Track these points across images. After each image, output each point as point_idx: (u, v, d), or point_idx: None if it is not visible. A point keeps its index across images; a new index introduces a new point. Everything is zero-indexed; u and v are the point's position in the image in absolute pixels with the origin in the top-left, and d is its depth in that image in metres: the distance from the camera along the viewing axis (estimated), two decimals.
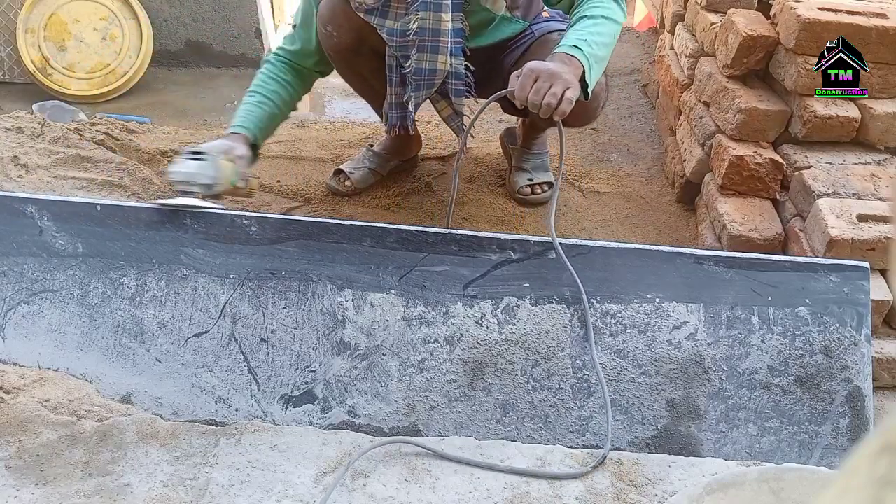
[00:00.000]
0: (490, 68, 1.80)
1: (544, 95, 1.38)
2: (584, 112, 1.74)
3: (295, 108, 1.82)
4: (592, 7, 1.53)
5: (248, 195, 1.72)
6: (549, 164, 2.11)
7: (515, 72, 1.44)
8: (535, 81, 1.39)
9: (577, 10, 1.56)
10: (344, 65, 1.88)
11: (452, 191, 1.58)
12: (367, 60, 1.81)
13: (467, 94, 1.74)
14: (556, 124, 1.48)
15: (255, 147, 1.69)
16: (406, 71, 1.68)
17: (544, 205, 2.07)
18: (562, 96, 1.37)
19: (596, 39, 1.48)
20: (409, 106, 1.75)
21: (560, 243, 1.33)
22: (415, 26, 1.61)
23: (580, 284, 1.28)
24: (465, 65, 1.69)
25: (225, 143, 1.56)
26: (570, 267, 1.29)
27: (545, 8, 1.82)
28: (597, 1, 1.54)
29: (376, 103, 2.03)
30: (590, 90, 1.48)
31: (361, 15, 1.67)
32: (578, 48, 1.45)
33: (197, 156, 1.44)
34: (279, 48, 1.81)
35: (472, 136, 1.90)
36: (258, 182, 1.75)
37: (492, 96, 1.56)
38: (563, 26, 1.76)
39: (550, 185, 2.07)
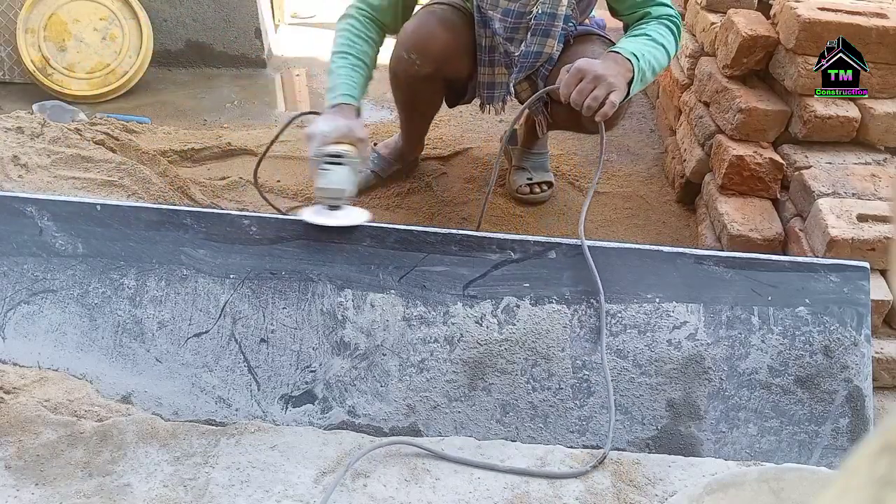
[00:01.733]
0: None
1: (587, 96, 1.40)
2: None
3: (377, 66, 1.72)
4: (657, 33, 1.55)
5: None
6: (548, 164, 2.11)
7: (565, 66, 1.45)
8: (581, 81, 1.41)
9: (642, 25, 1.58)
10: (409, 90, 1.84)
11: (490, 184, 1.63)
12: (434, 87, 1.80)
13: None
14: (599, 125, 1.48)
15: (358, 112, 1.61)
16: (516, 53, 1.68)
17: (544, 204, 2.07)
18: (604, 99, 1.39)
19: (650, 59, 1.51)
20: (510, 87, 1.74)
21: (560, 243, 1.33)
22: (538, 10, 1.62)
23: (600, 287, 1.28)
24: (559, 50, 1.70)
25: (341, 124, 1.47)
26: (594, 269, 1.30)
27: (588, 16, 1.85)
28: (663, 30, 1.56)
29: (412, 121, 2.02)
30: (626, 99, 1.49)
31: (475, 2, 1.64)
32: (636, 56, 1.47)
33: (335, 159, 1.38)
34: (360, 2, 1.70)
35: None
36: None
37: (541, 90, 1.62)
38: (600, 34, 1.80)
39: (550, 184, 2.07)
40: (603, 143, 1.48)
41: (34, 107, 2.32)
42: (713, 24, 2.06)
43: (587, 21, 1.86)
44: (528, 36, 1.66)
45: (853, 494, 0.31)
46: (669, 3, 1.60)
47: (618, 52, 1.48)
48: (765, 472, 1.05)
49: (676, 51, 1.59)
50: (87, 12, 2.57)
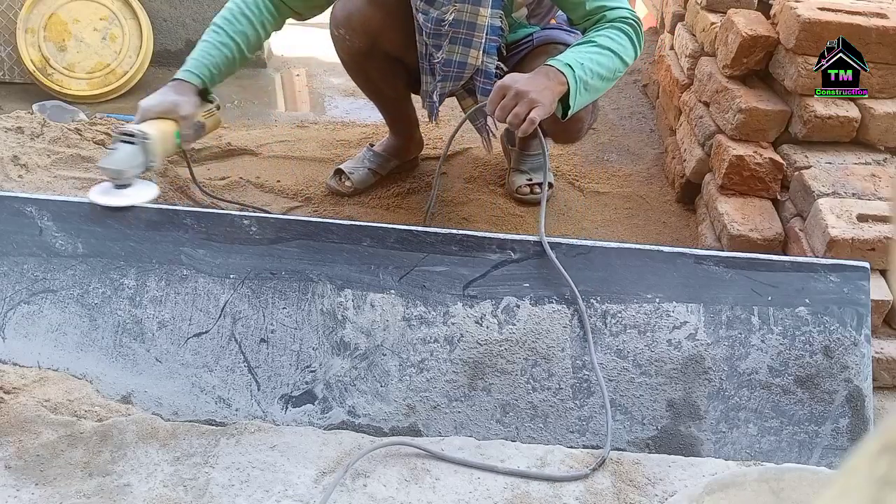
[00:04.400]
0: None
1: (508, 113, 1.39)
2: (561, 131, 1.74)
3: (261, 49, 1.70)
4: (606, 37, 1.50)
5: (212, 130, 1.65)
6: (549, 163, 2.10)
7: (497, 82, 1.45)
8: (503, 97, 1.40)
9: (591, 32, 1.53)
10: (355, 68, 1.87)
11: (433, 192, 1.65)
12: (379, 64, 1.80)
13: None
14: (538, 138, 1.49)
15: (206, 92, 1.59)
16: (436, 60, 1.66)
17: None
18: (525, 117, 1.38)
19: (594, 67, 1.46)
20: (434, 96, 1.72)
21: (560, 243, 1.33)
22: (451, 17, 1.59)
23: (572, 284, 1.28)
24: (498, 65, 1.66)
25: (168, 100, 1.48)
26: (560, 266, 1.29)
27: (554, 16, 1.82)
28: (613, 33, 1.51)
29: (383, 106, 2.04)
30: (570, 112, 1.46)
31: None
32: (571, 67, 1.43)
33: (126, 138, 1.40)
34: None
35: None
36: (218, 119, 1.65)
37: (472, 108, 1.64)
38: (567, 37, 1.76)
39: (550, 185, 2.06)
40: (546, 155, 1.53)
41: (34, 107, 2.32)
42: (713, 24, 2.06)
43: (554, 21, 1.83)
44: (447, 44, 1.62)
45: (853, 494, 0.31)
46: (626, 5, 1.54)
47: (551, 65, 1.43)
48: (765, 472, 1.05)
49: (635, 52, 1.53)
50: (87, 12, 2.57)
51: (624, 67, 1.52)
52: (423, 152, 2.21)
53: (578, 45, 1.51)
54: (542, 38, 1.79)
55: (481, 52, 1.62)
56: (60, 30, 2.56)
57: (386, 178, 2.10)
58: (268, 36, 1.68)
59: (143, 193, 1.40)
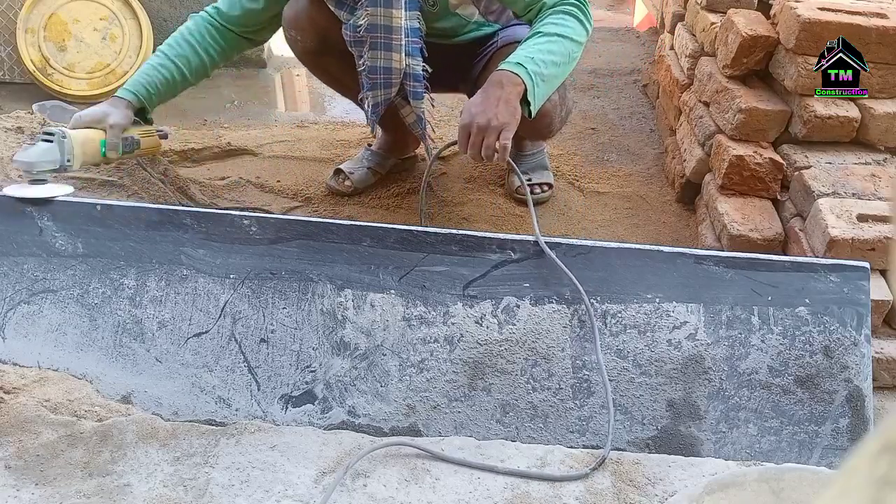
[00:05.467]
0: (467, 67, 1.80)
1: (479, 150, 1.41)
2: (532, 129, 1.73)
3: (208, 76, 1.73)
4: (551, 24, 1.49)
5: (150, 153, 1.71)
6: (547, 163, 2.09)
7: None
8: (469, 137, 1.42)
9: (536, 23, 1.53)
10: (312, 66, 1.89)
11: (422, 193, 1.67)
12: (335, 60, 1.80)
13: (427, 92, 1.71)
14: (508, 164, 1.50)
15: (143, 111, 1.65)
16: (361, 69, 1.65)
17: (544, 204, 2.07)
18: (495, 146, 1.39)
19: (546, 58, 1.46)
20: (365, 105, 1.70)
21: (559, 243, 1.33)
22: (364, 22, 1.57)
23: (576, 282, 1.28)
24: (424, 66, 1.64)
25: (99, 110, 1.55)
26: (562, 264, 1.29)
27: None
28: (557, 17, 1.50)
29: (355, 101, 2.04)
30: (533, 109, 1.46)
31: (331, 7, 1.63)
32: (522, 66, 1.43)
33: (46, 136, 1.44)
34: (213, 7, 1.72)
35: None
36: (156, 140, 1.70)
37: (444, 145, 1.70)
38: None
39: (549, 185, 2.05)
40: (525, 188, 1.56)
41: (34, 107, 2.32)
42: (713, 24, 2.06)
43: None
44: (368, 50, 1.60)
45: (853, 494, 0.31)
46: None
47: (503, 70, 1.43)
48: (765, 472, 1.05)
49: (586, 30, 1.52)
50: (87, 12, 2.57)
51: (579, 48, 1.51)
52: (422, 153, 2.21)
53: (527, 40, 1.50)
54: (506, 39, 1.78)
55: (403, 54, 1.60)
56: (60, 30, 2.56)
57: (386, 177, 2.10)
58: (215, 62, 1.72)
59: (54, 191, 1.42)
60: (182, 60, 1.66)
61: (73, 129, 1.51)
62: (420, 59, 1.63)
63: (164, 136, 1.74)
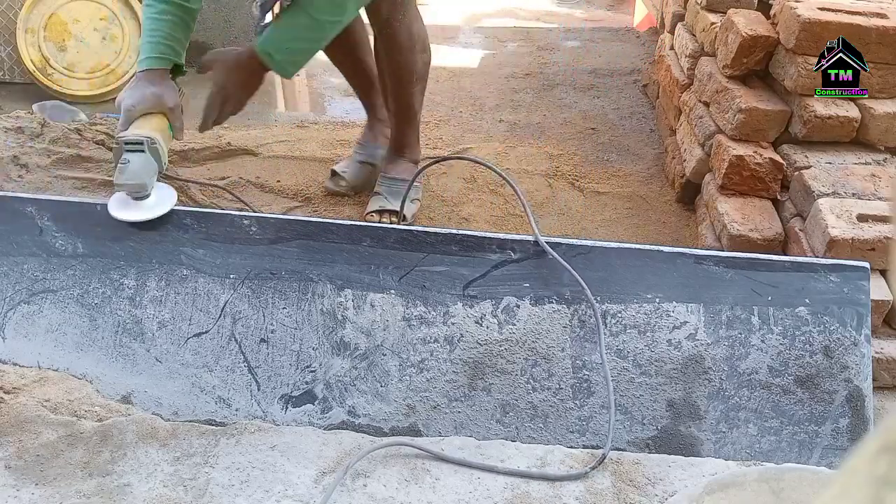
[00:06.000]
0: None
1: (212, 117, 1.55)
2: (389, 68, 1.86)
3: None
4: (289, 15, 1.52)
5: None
6: (412, 193, 1.90)
7: None
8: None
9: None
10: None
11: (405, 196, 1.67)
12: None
13: None
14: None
15: (178, 68, 1.54)
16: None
17: (544, 204, 2.06)
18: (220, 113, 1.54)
19: (285, 36, 1.51)
20: (255, 8, 1.64)
21: (559, 243, 1.33)
22: None
23: (580, 280, 1.28)
24: None
25: (149, 93, 1.43)
26: (567, 264, 1.29)
27: None
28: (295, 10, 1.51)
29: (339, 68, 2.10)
30: (277, 58, 1.51)
31: None
32: (262, 47, 1.50)
33: (134, 147, 1.35)
34: None
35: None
36: (185, 99, 1.63)
37: (429, 161, 1.81)
38: None
39: (395, 214, 1.88)
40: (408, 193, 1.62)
41: (34, 107, 2.32)
42: (713, 24, 2.06)
43: None
44: None
45: (853, 494, 0.31)
46: None
47: (252, 53, 1.51)
48: (765, 472, 1.05)
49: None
50: (87, 12, 2.57)
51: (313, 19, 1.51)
52: (423, 152, 2.21)
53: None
54: None
55: None
56: (60, 30, 2.56)
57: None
58: None
59: (165, 199, 1.36)
60: None
61: (130, 122, 1.41)
62: None
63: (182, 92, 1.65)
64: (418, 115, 1.99)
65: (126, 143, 1.35)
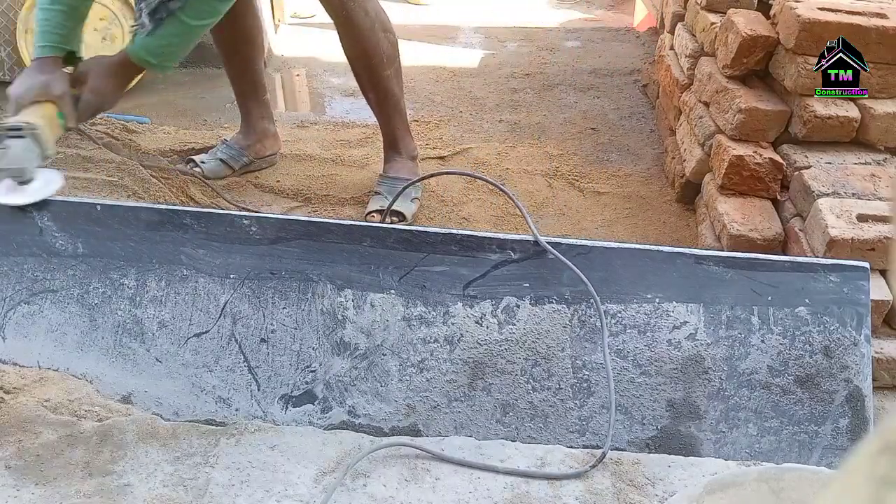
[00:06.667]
0: None
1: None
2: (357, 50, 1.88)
3: None
4: (182, 8, 1.55)
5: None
6: (411, 191, 1.95)
7: None
8: None
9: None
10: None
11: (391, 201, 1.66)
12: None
13: None
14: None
15: (72, 56, 1.57)
16: None
17: (544, 204, 2.07)
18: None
19: (164, 42, 1.57)
20: (143, 17, 1.62)
21: (559, 243, 1.33)
22: None
23: (584, 279, 1.28)
24: None
25: (36, 82, 1.47)
26: (568, 262, 1.29)
27: None
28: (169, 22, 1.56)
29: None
30: (153, 61, 1.57)
31: None
32: (141, 54, 1.57)
33: (14, 133, 1.38)
34: None
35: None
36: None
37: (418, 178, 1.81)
38: None
39: (402, 216, 1.91)
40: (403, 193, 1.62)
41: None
42: (713, 24, 2.06)
43: None
44: None
45: (853, 494, 0.31)
46: None
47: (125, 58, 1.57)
48: (765, 472, 1.05)
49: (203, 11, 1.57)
50: None
51: (190, 25, 1.57)
52: (422, 152, 2.21)
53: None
54: None
55: None
56: None
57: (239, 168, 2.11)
58: None
59: (50, 184, 1.39)
60: None
61: (19, 111, 1.44)
62: None
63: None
64: (401, 101, 1.99)
65: (7, 130, 1.38)
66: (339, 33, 1.90)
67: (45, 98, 1.46)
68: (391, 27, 1.93)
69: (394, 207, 1.86)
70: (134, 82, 1.73)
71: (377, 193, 1.97)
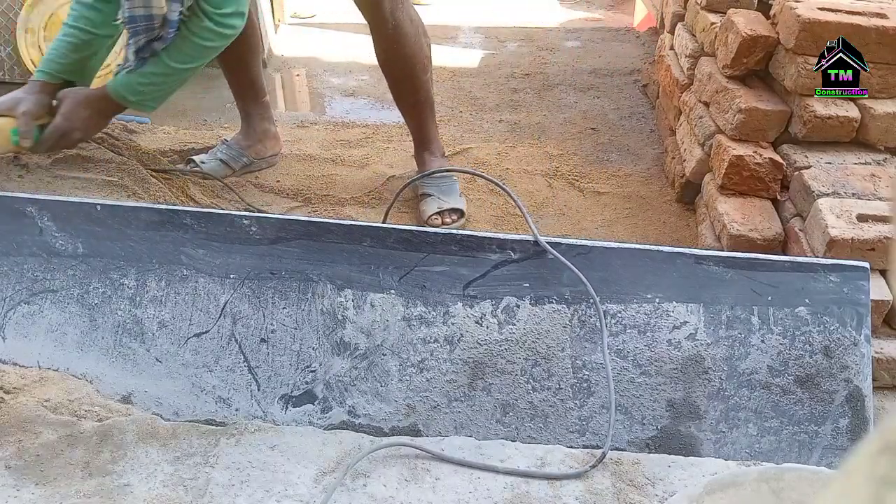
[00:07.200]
0: None
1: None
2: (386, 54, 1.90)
3: (117, 28, 1.67)
4: (166, 50, 1.59)
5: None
6: (457, 187, 2.00)
7: None
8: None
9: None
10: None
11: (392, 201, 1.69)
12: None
13: None
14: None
15: (69, 85, 1.62)
16: (119, 20, 1.60)
17: (544, 204, 2.06)
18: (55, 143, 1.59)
19: (144, 80, 1.61)
20: (130, 54, 1.63)
21: (559, 243, 1.33)
22: None
23: (583, 278, 1.28)
24: (181, 11, 1.58)
25: (10, 97, 1.54)
26: (568, 262, 1.29)
27: None
28: (181, 40, 1.59)
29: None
30: (132, 99, 1.61)
31: None
32: (119, 90, 1.60)
33: None
34: None
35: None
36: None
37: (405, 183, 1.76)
38: None
39: (461, 213, 1.94)
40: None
41: None
42: (713, 24, 2.06)
43: None
44: (127, 1, 1.55)
45: (853, 494, 0.31)
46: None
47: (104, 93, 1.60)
48: (765, 472, 1.05)
49: (200, 48, 1.60)
50: None
51: (177, 66, 1.61)
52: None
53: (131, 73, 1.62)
54: None
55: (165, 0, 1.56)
56: None
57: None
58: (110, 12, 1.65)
59: None
60: (82, 21, 1.63)
61: None
62: (179, 4, 1.57)
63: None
64: (434, 103, 2.02)
65: None
66: (379, 43, 1.89)
67: (7, 112, 1.52)
68: (426, 29, 1.94)
69: (451, 206, 1.92)
70: (110, 121, 1.74)
71: (429, 195, 1.95)
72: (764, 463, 1.13)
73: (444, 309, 1.29)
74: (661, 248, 1.34)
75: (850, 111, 1.71)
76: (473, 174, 2.00)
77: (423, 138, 2.04)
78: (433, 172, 1.89)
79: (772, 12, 1.88)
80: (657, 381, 1.25)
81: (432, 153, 2.04)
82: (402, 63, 1.91)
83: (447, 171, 1.91)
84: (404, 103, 2.02)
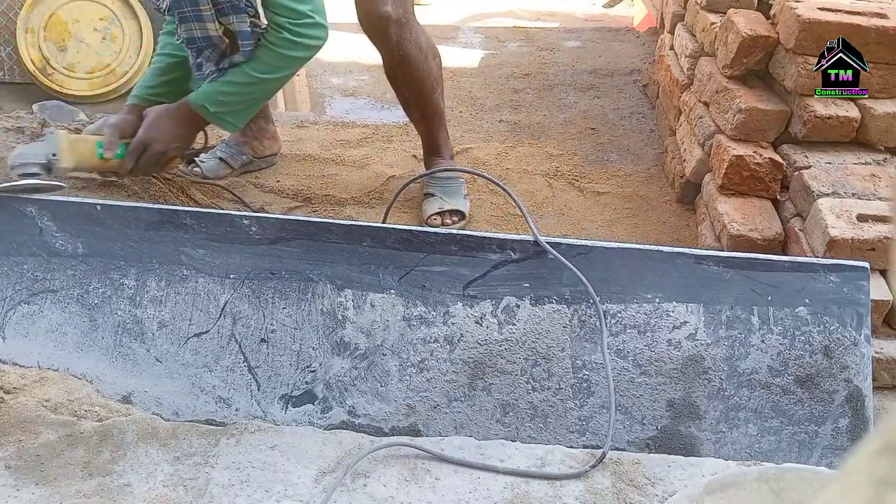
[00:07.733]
0: None
1: (136, 161, 1.60)
2: (408, 82, 1.90)
3: None
4: (246, 61, 1.62)
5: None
6: (463, 189, 2.00)
7: None
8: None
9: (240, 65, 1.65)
10: None
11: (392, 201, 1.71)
12: None
13: None
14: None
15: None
16: (178, 40, 1.64)
17: (544, 204, 2.06)
18: (142, 157, 1.60)
19: (230, 91, 1.63)
20: (203, 69, 1.66)
21: (559, 243, 1.33)
22: (165, 4, 1.59)
23: (583, 278, 1.28)
24: (253, 21, 1.59)
25: (103, 121, 1.62)
26: (569, 263, 1.29)
27: None
28: (261, 50, 1.61)
29: None
30: (211, 110, 1.62)
31: None
32: (200, 102, 1.62)
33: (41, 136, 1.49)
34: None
35: None
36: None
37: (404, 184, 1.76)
38: None
39: (462, 215, 1.93)
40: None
41: (34, 107, 2.32)
42: (713, 24, 2.06)
43: None
44: (181, 24, 1.59)
45: (853, 494, 0.31)
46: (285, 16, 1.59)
47: (184, 102, 1.63)
48: (765, 472, 1.05)
49: (289, 57, 1.63)
50: (87, 12, 2.57)
51: (264, 76, 1.63)
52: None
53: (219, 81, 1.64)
54: None
55: (216, 22, 1.58)
56: (60, 30, 2.56)
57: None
58: None
59: (44, 186, 1.42)
60: (168, 48, 1.73)
61: (91, 132, 1.56)
62: (245, 15, 1.58)
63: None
64: (444, 111, 2.04)
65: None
66: (387, 70, 1.90)
67: (96, 131, 1.59)
68: (437, 49, 1.95)
69: (452, 207, 1.92)
70: (195, 134, 1.74)
71: (431, 195, 1.96)
72: (764, 463, 1.13)
73: (444, 309, 1.29)
74: (661, 248, 1.34)
75: (850, 111, 1.71)
76: (474, 174, 2.00)
77: (431, 144, 2.05)
78: (432, 172, 1.89)
79: (772, 12, 1.88)
80: (657, 381, 1.25)
81: (441, 156, 2.04)
82: (410, 87, 1.92)
83: (446, 170, 1.91)
84: (412, 116, 2.03)
